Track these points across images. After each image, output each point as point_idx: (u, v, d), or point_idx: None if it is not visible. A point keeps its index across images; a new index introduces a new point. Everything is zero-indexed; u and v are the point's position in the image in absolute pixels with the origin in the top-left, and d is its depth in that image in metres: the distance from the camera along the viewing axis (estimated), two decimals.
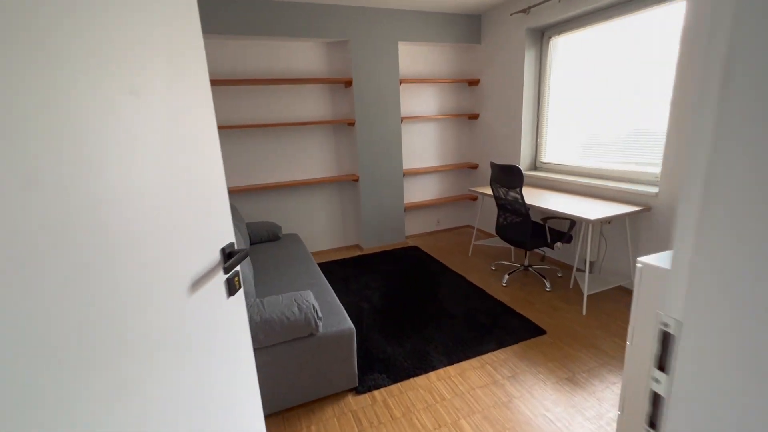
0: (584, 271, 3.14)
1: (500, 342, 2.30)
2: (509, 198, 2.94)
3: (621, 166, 2.96)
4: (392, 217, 4.15)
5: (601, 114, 3.05)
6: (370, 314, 2.69)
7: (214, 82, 3.12)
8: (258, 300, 1.79)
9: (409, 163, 4.30)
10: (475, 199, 4.63)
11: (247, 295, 1.87)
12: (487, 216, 4.40)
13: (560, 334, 2.37)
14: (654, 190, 2.59)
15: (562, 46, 3.36)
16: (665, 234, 2.55)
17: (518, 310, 2.66)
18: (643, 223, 2.69)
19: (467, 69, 4.32)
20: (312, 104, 3.70)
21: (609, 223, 2.95)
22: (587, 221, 2.42)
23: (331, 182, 3.90)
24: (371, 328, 2.51)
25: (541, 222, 2.93)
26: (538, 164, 3.81)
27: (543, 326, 2.46)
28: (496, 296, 2.89)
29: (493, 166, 3.03)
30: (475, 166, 4.47)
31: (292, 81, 3.39)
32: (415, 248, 4.05)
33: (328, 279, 3.32)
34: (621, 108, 2.88)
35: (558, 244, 2.88)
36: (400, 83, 3.86)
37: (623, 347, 2.18)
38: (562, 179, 3.30)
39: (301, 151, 3.75)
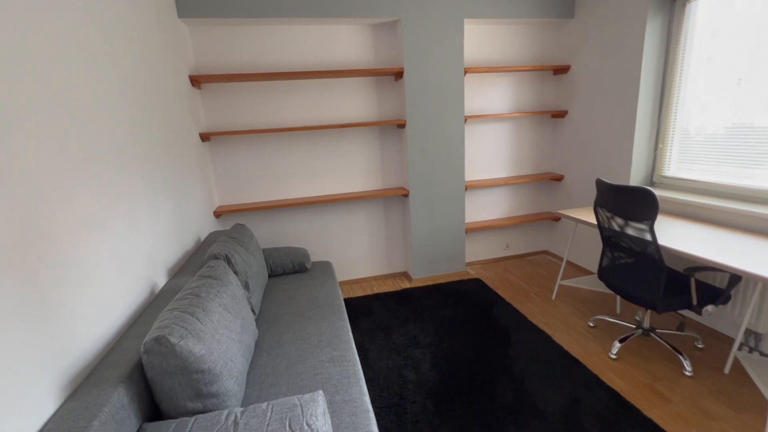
0: (752, 350, 2.08)
1: None
2: (627, 233, 2.00)
3: None
4: (450, 241, 3.33)
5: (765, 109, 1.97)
6: (417, 393, 1.91)
7: (232, 77, 2.54)
8: (237, 412, 1.10)
9: (472, 173, 3.44)
10: (558, 219, 3.63)
11: (226, 396, 1.20)
12: (579, 245, 3.40)
13: None
14: None
15: (708, 10, 2.30)
16: None
17: (647, 413, 1.72)
18: None
19: (553, 53, 3.35)
20: (353, 102, 3.00)
21: None
22: None
23: (375, 197, 3.18)
24: (417, 420, 1.73)
25: (683, 272, 1.94)
26: (656, 179, 2.76)
27: None
28: (604, 378, 1.96)
29: (602, 185, 2.09)
30: (559, 178, 3.48)
31: (328, 74, 2.72)
32: (479, 282, 3.18)
33: (364, 324, 2.60)
34: None
35: (709, 307, 1.87)
36: (465, 73, 3.03)
37: None
38: (706, 204, 2.25)
39: (338, 159, 3.08)
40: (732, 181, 2.25)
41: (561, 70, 3.30)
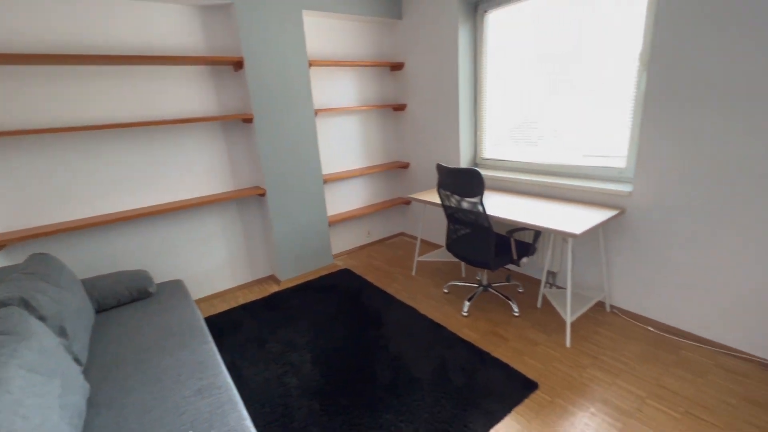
0: (552, 286, 2.72)
1: (489, 416, 1.68)
2: (464, 208, 2.35)
3: (576, 160, 2.57)
4: (314, 236, 3.30)
5: (551, 100, 2.62)
6: (302, 397, 1.85)
7: (13, 59, 1.88)
8: None
9: (329, 166, 3.47)
10: (409, 203, 4.01)
11: None
12: (429, 223, 3.82)
13: (554, 385, 1.85)
14: (626, 188, 2.22)
15: (499, 21, 2.86)
16: (642, 238, 2.19)
17: (494, 354, 2.09)
18: (613, 227, 2.32)
19: (389, 50, 3.63)
20: (187, 94, 2.62)
21: None
22: (571, 235, 1.93)
23: (227, 200, 2.88)
24: (307, 425, 1.68)
25: (505, 235, 2.39)
26: (478, 161, 3.32)
27: (531, 375, 1.92)
28: (461, 335, 2.29)
29: (441, 169, 2.40)
30: (405, 165, 3.83)
31: (146, 60, 2.29)
32: (347, 272, 3.27)
33: (233, 340, 2.36)
34: (574, 93, 2.47)
35: (524, 259, 2.38)
36: (310, 65, 3.00)
37: (635, 399, 1.73)
38: (512, 178, 2.83)
39: (175, 162, 2.66)
40: (527, 159, 2.88)
41: (397, 67, 3.60)
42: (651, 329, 2.21)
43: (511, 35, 2.79)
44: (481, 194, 2.17)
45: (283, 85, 2.84)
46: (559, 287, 2.70)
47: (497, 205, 2.49)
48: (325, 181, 3.30)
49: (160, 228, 2.66)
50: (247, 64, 2.64)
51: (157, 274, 2.70)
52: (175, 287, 2.28)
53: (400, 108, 3.69)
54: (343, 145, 3.52)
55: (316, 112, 3.10)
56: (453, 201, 2.41)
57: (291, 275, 3.22)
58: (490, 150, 3.20)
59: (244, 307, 2.78)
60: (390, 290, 2.92)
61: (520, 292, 2.75)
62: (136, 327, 1.84)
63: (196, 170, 2.74)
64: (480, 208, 2.21)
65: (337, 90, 3.37)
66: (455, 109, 3.14)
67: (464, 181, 2.24)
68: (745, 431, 1.52)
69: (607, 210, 2.23)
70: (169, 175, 2.64)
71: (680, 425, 1.57)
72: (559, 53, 2.51)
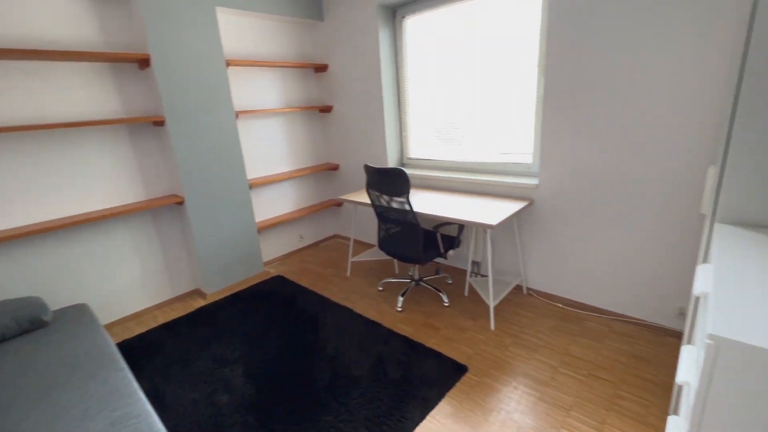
0: (477, 275, 2.93)
1: (424, 403, 1.76)
2: (393, 207, 2.42)
3: (493, 157, 2.80)
4: (243, 244, 3.15)
5: (467, 103, 2.82)
6: (235, 413, 1.76)
7: None
8: None
9: (255, 171, 3.33)
10: (340, 204, 4.01)
11: None
12: (361, 224, 3.85)
13: (481, 366, 1.99)
14: (533, 181, 2.48)
15: (416, 26, 3.00)
16: (548, 225, 2.46)
17: (428, 344, 2.19)
18: (525, 216, 2.58)
19: (312, 51, 3.59)
20: (81, 95, 2.33)
21: None
22: (489, 226, 2.10)
23: (139, 211, 2.62)
24: None
25: (432, 230, 2.52)
26: (405, 161, 3.45)
27: (461, 360, 2.05)
28: (396, 329, 2.36)
29: (369, 170, 2.45)
30: (335, 167, 3.83)
31: (29, 54, 2.00)
32: (280, 279, 3.17)
33: (154, 364, 2.16)
34: (487, 95, 2.69)
35: (451, 252, 2.53)
36: (228, 65, 2.85)
37: (549, 369, 1.94)
38: (436, 176, 2.98)
39: (74, 170, 2.35)
40: (447, 157, 3.07)
41: (321, 69, 3.58)
42: (560, 306, 2.50)
43: (428, 41, 2.94)
44: (408, 193, 2.26)
45: (198, 86, 2.67)
46: (483, 275, 2.91)
47: (424, 202, 2.62)
48: (252, 186, 3.17)
49: (58, 246, 2.33)
50: (154, 62, 2.43)
51: (56, 299, 2.36)
52: (78, 312, 2.02)
53: (326, 110, 3.68)
54: (270, 148, 3.41)
55: (238, 114, 2.96)
56: (382, 200, 2.47)
57: (218, 287, 3.04)
58: (416, 150, 3.34)
59: (165, 327, 2.56)
60: (325, 293, 2.90)
61: (449, 284, 2.92)
62: (29, 362, 1.60)
63: (99, 179, 2.45)
64: (407, 206, 2.30)
65: (260, 91, 3.25)
66: (380, 111, 3.22)
67: (391, 181, 2.31)
68: (633, 383, 1.79)
69: (519, 202, 2.46)
70: (66, 186, 2.32)
71: (585, 386, 1.80)
72: (471, 59, 2.71)
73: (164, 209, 2.80)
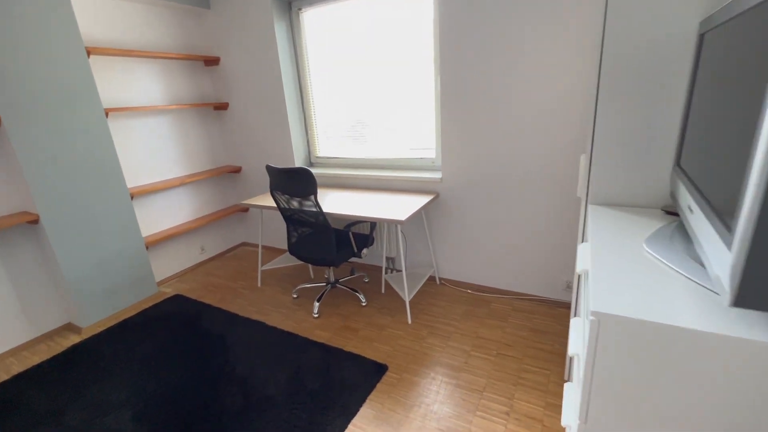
0: (392, 270, 2.94)
1: (345, 411, 1.69)
2: (302, 209, 2.30)
3: (401, 153, 2.84)
4: (129, 264, 2.70)
5: (372, 99, 2.81)
6: None
7: None
8: None
9: (139, 177, 2.88)
10: (246, 210, 3.72)
11: None
12: (270, 229, 3.61)
13: (400, 362, 2.00)
14: (437, 175, 2.57)
15: (314, 20, 2.88)
16: (453, 216, 2.58)
17: (346, 348, 2.12)
18: (432, 209, 2.67)
19: (200, 43, 3.23)
20: None
21: None
22: (398, 222, 2.11)
23: None
24: None
25: (344, 230, 2.45)
26: (313, 160, 3.32)
27: (380, 359, 2.02)
28: (313, 337, 2.24)
29: (272, 170, 2.28)
30: (237, 170, 3.53)
31: None
32: (179, 298, 2.81)
33: (15, 429, 1.72)
34: (391, 92, 2.71)
35: (365, 250, 2.50)
36: (89, 54, 2.40)
37: (463, 354, 2.02)
38: (343, 174, 2.92)
39: None
40: (355, 155, 3.03)
41: (212, 62, 3.25)
42: (469, 291, 2.64)
43: (329, 36, 2.85)
44: (315, 193, 2.16)
45: (46, 78, 2.19)
46: (398, 270, 2.95)
47: (333, 202, 2.53)
48: (135, 196, 2.74)
49: None
50: None
51: None
52: None
53: (221, 107, 3.35)
54: (157, 150, 2.98)
55: (107, 112, 2.51)
56: (290, 203, 2.33)
57: (98, 318, 2.57)
58: (324, 148, 3.23)
59: (23, 377, 2.06)
60: (234, 308, 2.64)
61: (366, 282, 2.89)
62: None
63: None
64: (315, 207, 2.20)
65: (139, 86, 2.81)
66: (283, 108, 3.04)
67: (296, 182, 2.18)
68: (534, 356, 1.96)
69: (425, 196, 2.53)
70: None
71: (494, 365, 1.92)
72: (373, 55, 2.69)
73: (13, 231, 2.25)
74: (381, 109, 2.79)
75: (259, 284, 2.97)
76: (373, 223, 2.50)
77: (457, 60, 2.24)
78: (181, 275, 3.23)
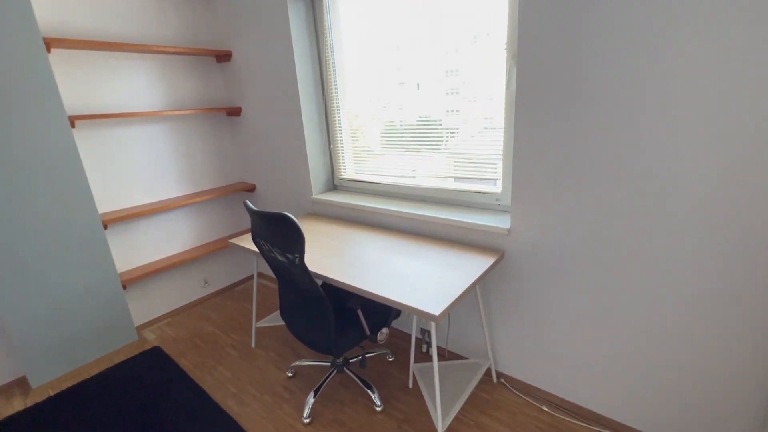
0: (428, 347, 2.07)
1: None
2: (291, 265, 1.53)
3: (445, 182, 1.96)
4: (100, 306, 2.19)
5: (419, 108, 1.97)
6: None
7: None
8: None
9: (120, 200, 2.36)
10: None
11: None
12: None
13: None
14: (504, 224, 1.64)
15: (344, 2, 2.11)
16: (525, 291, 1.64)
17: None
18: (492, 274, 1.74)
19: (210, 34, 2.64)
20: None
21: None
22: (431, 317, 1.24)
23: None
24: None
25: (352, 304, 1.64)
26: (337, 182, 2.56)
27: None
28: None
29: (250, 212, 1.55)
30: (251, 188, 2.91)
31: None
32: (155, 353, 2.23)
33: None
34: (448, 98, 1.85)
35: (384, 330, 1.67)
36: (49, 47, 1.88)
37: None
38: (368, 208, 2.11)
39: None
40: (392, 181, 2.20)
41: (223, 57, 2.65)
42: (546, 409, 1.67)
43: (362, 21, 2.06)
44: (302, 253, 1.38)
45: None
46: (440, 357, 2.06)
47: (339, 258, 1.73)
48: (110, 223, 2.21)
49: None
50: None
51: None
52: None
53: (234, 112, 2.75)
54: (149, 166, 2.45)
55: (73, 120, 1.99)
56: (272, 252, 1.58)
57: (56, 374, 2.07)
58: (351, 168, 2.46)
59: None
60: (209, 382, 1.98)
61: (390, 361, 2.05)
62: None
63: None
64: (299, 270, 1.42)
65: (125, 88, 2.28)
66: (298, 113, 2.32)
67: (278, 231, 1.42)
68: None
69: (482, 255, 1.62)
70: None
71: None
72: (417, 40, 1.85)
73: None
74: (428, 119, 1.93)
75: (253, 344, 2.28)
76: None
77: (548, 39, 1.30)
78: (174, 314, 2.68)
